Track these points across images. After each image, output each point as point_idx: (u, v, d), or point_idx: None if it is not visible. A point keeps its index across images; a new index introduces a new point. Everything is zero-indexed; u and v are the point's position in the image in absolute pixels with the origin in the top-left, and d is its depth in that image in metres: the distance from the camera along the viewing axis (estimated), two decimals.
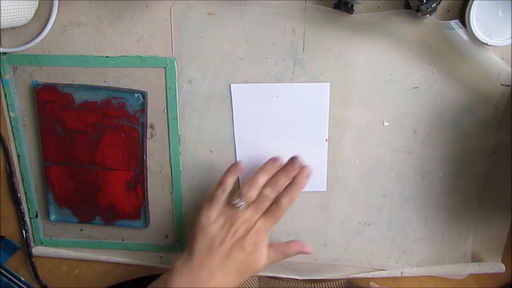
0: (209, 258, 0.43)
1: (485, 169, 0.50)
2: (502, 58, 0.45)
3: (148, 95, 0.49)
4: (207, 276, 0.42)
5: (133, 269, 0.58)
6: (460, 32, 0.42)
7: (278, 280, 0.57)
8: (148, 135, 0.51)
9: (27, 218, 0.56)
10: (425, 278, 0.55)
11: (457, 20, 0.42)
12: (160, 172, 0.53)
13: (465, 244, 0.53)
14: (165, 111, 0.50)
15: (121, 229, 0.56)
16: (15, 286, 0.59)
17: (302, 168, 0.46)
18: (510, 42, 0.41)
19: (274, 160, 0.48)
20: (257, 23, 0.46)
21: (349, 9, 0.43)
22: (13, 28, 0.47)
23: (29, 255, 0.58)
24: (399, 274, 0.55)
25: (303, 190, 0.46)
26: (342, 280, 0.55)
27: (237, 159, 0.51)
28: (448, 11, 0.43)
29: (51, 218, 0.55)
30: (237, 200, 0.45)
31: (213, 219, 0.45)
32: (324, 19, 0.45)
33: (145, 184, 0.53)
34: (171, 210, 0.54)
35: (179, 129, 0.51)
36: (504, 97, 0.46)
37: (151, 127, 0.51)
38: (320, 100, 0.48)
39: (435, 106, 0.48)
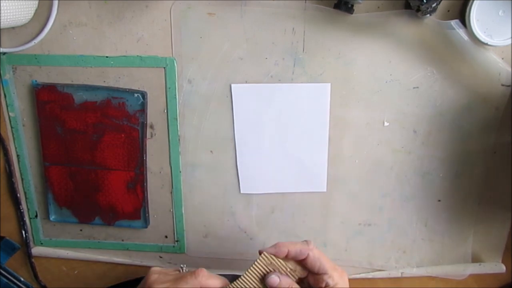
0: None
1: (485, 169, 0.50)
2: (502, 58, 0.45)
3: (148, 95, 0.49)
4: None
5: (133, 269, 0.58)
6: (460, 32, 0.42)
7: None
8: (148, 135, 0.51)
9: (26, 218, 0.56)
10: (425, 279, 0.55)
11: (457, 20, 0.42)
12: (160, 172, 0.53)
13: (465, 244, 0.53)
14: (165, 111, 0.50)
15: (120, 229, 0.56)
16: (15, 286, 0.59)
17: None
18: (510, 42, 0.41)
19: None
20: (257, 23, 0.46)
21: (349, 9, 0.43)
22: (13, 28, 0.47)
23: (28, 255, 0.58)
24: (399, 275, 0.55)
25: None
26: None
27: (237, 159, 0.51)
28: (448, 11, 0.43)
29: (51, 218, 0.55)
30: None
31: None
32: (324, 19, 0.45)
33: (145, 184, 0.53)
34: (171, 210, 0.54)
35: (179, 129, 0.51)
36: (504, 97, 0.46)
37: (151, 127, 0.51)
38: (320, 101, 0.48)
39: (435, 106, 0.48)
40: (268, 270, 0.41)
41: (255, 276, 0.41)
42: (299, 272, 0.42)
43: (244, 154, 0.51)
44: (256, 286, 0.41)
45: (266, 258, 0.41)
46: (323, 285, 0.41)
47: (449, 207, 0.52)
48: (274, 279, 0.41)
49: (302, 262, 0.42)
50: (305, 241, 0.42)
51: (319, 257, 0.41)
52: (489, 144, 0.49)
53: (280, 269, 0.41)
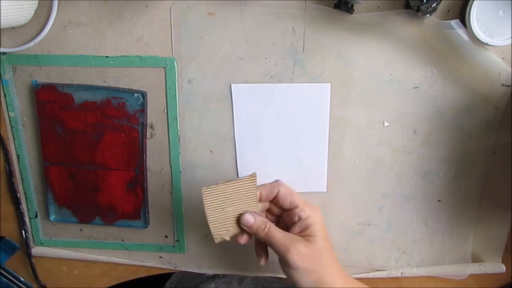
0: None
1: (485, 169, 0.50)
2: (502, 58, 0.45)
3: (148, 95, 0.49)
4: None
5: (133, 269, 0.58)
6: (460, 32, 0.42)
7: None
8: (148, 135, 0.51)
9: (26, 218, 0.56)
10: (425, 279, 0.55)
11: (457, 20, 0.42)
12: (160, 172, 0.53)
13: (465, 244, 0.53)
14: (165, 111, 0.50)
15: (120, 229, 0.56)
16: (15, 286, 0.59)
17: None
18: (510, 42, 0.41)
19: None
20: (257, 23, 0.46)
21: (349, 9, 0.43)
22: (13, 28, 0.47)
23: (28, 255, 0.58)
24: (399, 275, 0.55)
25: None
26: None
27: (237, 159, 0.51)
28: (448, 11, 0.43)
29: (51, 218, 0.55)
30: None
31: None
32: (324, 19, 0.45)
33: (145, 184, 0.53)
34: (171, 210, 0.54)
35: (179, 129, 0.51)
36: (504, 97, 0.46)
37: (151, 127, 0.51)
38: (320, 101, 0.48)
39: (435, 106, 0.48)
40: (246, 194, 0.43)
41: (236, 191, 0.43)
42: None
43: (244, 154, 0.51)
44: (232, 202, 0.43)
45: (253, 181, 0.43)
46: (296, 219, 0.43)
47: (449, 207, 0.52)
48: (248, 218, 0.42)
49: (274, 201, 0.45)
50: (275, 180, 0.45)
51: (289, 192, 0.44)
52: (489, 144, 0.49)
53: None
